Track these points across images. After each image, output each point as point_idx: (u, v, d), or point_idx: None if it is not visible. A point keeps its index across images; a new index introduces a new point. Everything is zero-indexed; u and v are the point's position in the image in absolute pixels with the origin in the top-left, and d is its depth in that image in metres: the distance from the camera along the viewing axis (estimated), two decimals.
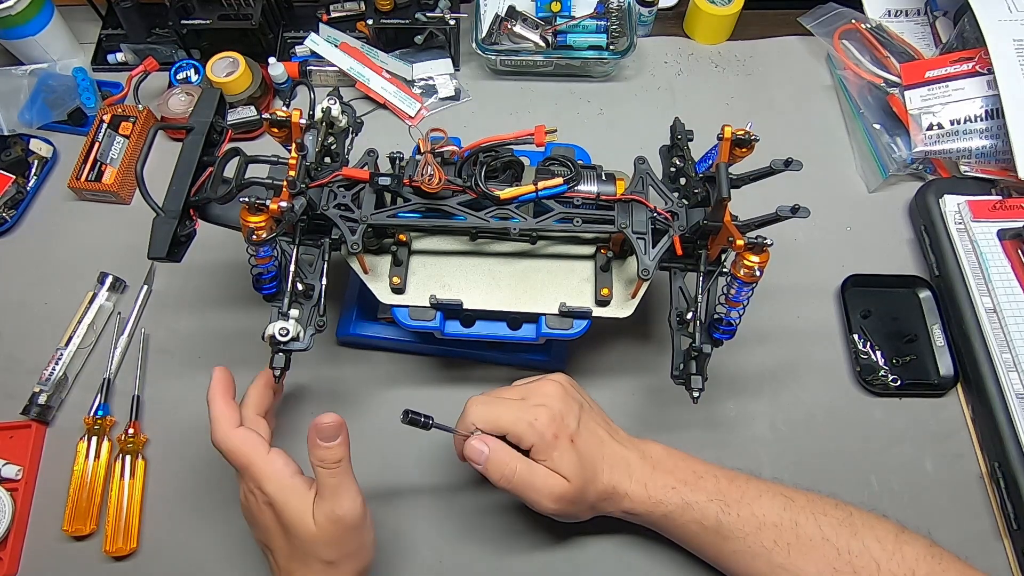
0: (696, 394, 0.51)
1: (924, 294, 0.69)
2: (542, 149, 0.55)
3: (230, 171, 0.51)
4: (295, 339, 0.51)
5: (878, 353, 0.66)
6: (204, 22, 0.77)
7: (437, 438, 0.59)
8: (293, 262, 0.52)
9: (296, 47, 0.82)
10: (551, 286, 0.55)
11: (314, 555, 0.47)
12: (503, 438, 0.50)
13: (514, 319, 0.56)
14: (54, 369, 0.64)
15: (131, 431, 0.61)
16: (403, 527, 0.59)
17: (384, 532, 0.58)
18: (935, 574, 0.48)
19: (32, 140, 0.75)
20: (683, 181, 0.55)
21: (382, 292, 0.55)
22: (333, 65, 0.79)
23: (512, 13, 0.79)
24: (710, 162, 0.54)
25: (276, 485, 0.47)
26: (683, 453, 0.55)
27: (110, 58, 0.82)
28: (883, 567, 0.48)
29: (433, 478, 0.61)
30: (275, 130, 0.53)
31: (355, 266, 0.54)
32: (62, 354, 0.64)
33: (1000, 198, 0.69)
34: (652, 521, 0.53)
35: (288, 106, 0.80)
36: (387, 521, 0.59)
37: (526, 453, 0.51)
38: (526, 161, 0.56)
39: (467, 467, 0.52)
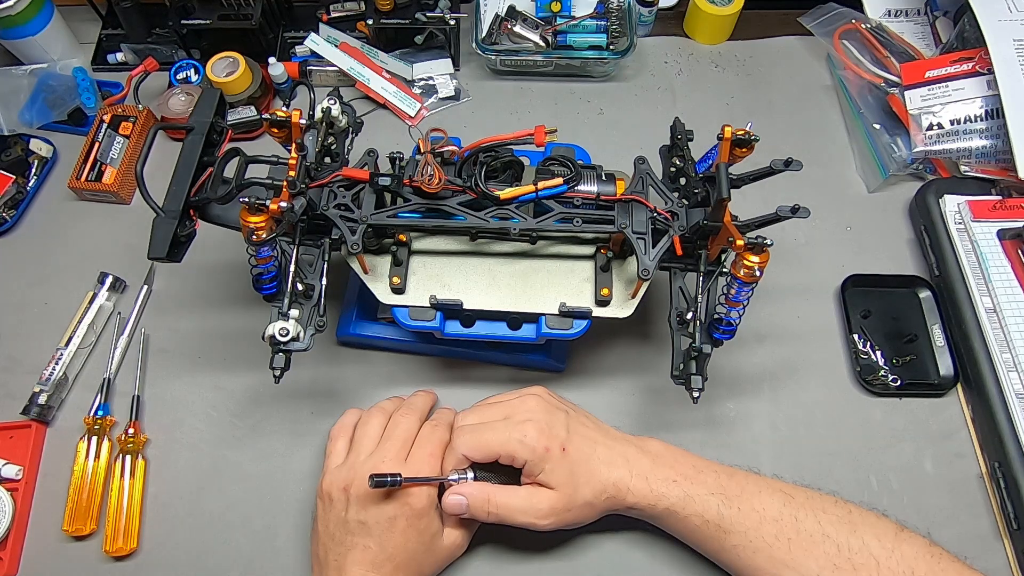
0: (696, 394, 0.51)
1: (924, 294, 0.69)
2: (542, 149, 0.55)
3: (230, 171, 0.51)
4: (295, 339, 0.50)
5: (878, 353, 0.66)
6: (204, 22, 0.77)
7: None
8: (293, 262, 0.52)
9: (296, 47, 0.82)
10: (551, 286, 0.55)
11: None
12: (495, 462, 0.51)
13: (514, 319, 0.56)
14: (54, 369, 0.64)
15: (131, 431, 0.61)
16: None
17: None
18: (934, 573, 0.48)
19: (32, 140, 0.75)
20: (683, 181, 0.55)
21: (382, 292, 0.55)
22: (333, 65, 0.79)
23: (512, 13, 0.79)
24: (710, 162, 0.54)
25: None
26: (681, 449, 0.55)
27: (110, 58, 0.82)
28: (882, 564, 0.48)
29: None
30: (275, 130, 0.53)
31: (355, 266, 0.54)
32: (62, 354, 0.64)
33: (1000, 198, 0.69)
34: (655, 515, 0.53)
35: (288, 106, 0.80)
36: None
37: (518, 473, 0.51)
38: (526, 161, 0.56)
39: None
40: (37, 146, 0.75)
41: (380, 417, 0.56)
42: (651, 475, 0.52)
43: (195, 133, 0.52)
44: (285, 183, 0.49)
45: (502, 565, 0.58)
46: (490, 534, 0.58)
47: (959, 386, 0.65)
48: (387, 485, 0.47)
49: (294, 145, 0.52)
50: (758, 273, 0.48)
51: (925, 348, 0.67)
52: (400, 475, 0.48)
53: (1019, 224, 0.67)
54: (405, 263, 0.55)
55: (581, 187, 0.54)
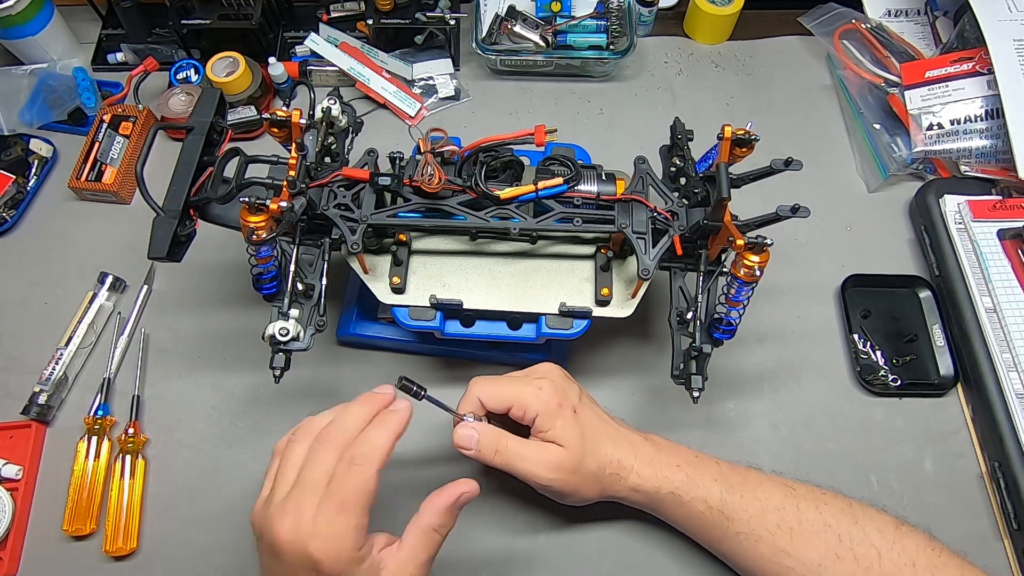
0: (696, 394, 0.51)
1: (924, 294, 0.69)
2: (542, 149, 0.55)
3: (230, 171, 0.51)
4: (295, 339, 0.51)
5: (878, 353, 0.66)
6: (204, 22, 0.77)
7: (436, 432, 0.60)
8: (293, 262, 0.52)
9: (296, 47, 0.82)
10: (551, 286, 0.55)
11: None
12: (505, 415, 0.51)
13: (514, 319, 0.56)
14: (54, 369, 0.64)
15: (131, 431, 0.61)
16: (402, 518, 0.59)
17: (385, 528, 0.58)
18: (935, 566, 0.48)
19: (32, 140, 0.75)
20: (683, 181, 0.55)
21: (382, 292, 0.55)
22: (333, 65, 0.79)
23: (512, 13, 0.79)
24: (710, 162, 0.54)
25: None
26: (683, 444, 0.56)
27: (110, 58, 0.82)
28: (884, 555, 0.48)
29: (432, 471, 0.61)
30: (275, 130, 0.53)
31: (355, 266, 0.54)
32: (62, 354, 0.64)
33: (1000, 198, 0.69)
34: (658, 499, 0.52)
35: (288, 106, 0.80)
36: (386, 516, 0.59)
37: (527, 429, 0.51)
38: (526, 161, 0.56)
39: (468, 461, 0.52)
40: (37, 146, 0.75)
41: (302, 446, 0.45)
42: (655, 459, 0.52)
43: (195, 133, 0.52)
44: (285, 183, 0.49)
45: (501, 552, 0.58)
46: (489, 523, 0.58)
47: (959, 386, 0.65)
48: (410, 393, 0.48)
49: (294, 145, 0.52)
50: (758, 273, 0.48)
51: (925, 348, 0.67)
52: (425, 389, 0.48)
53: (1019, 224, 0.67)
54: (405, 263, 0.55)
55: (581, 187, 0.54)
